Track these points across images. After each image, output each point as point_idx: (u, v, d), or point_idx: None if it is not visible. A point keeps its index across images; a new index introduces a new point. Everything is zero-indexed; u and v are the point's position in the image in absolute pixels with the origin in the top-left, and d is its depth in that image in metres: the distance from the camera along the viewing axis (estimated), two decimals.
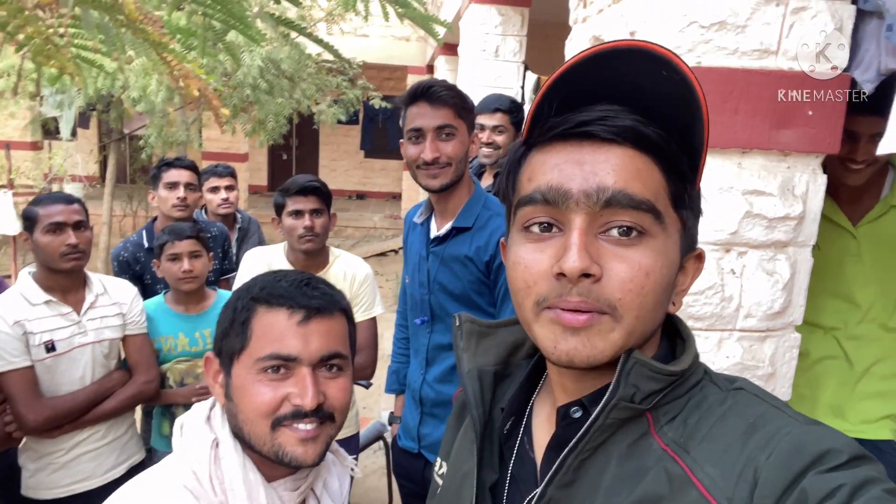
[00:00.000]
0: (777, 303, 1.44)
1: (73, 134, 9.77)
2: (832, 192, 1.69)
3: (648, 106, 0.59)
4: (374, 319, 2.37)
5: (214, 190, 3.28)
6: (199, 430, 0.92)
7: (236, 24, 1.39)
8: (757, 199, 1.41)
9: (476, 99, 4.73)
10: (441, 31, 1.86)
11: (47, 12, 1.06)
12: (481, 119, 2.71)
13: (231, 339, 0.91)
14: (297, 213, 2.22)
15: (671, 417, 0.61)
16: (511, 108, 2.75)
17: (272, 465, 0.91)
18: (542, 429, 0.70)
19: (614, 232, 0.59)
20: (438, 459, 0.82)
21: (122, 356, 2.20)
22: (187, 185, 2.85)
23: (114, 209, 8.02)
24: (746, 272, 1.44)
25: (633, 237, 0.59)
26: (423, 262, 1.83)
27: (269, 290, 0.90)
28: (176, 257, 2.26)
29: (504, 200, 0.70)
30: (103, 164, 9.00)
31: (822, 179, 1.44)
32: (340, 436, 2.34)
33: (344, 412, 0.94)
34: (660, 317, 0.62)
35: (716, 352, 1.47)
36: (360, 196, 14.85)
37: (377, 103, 8.25)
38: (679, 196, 0.61)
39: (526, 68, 4.87)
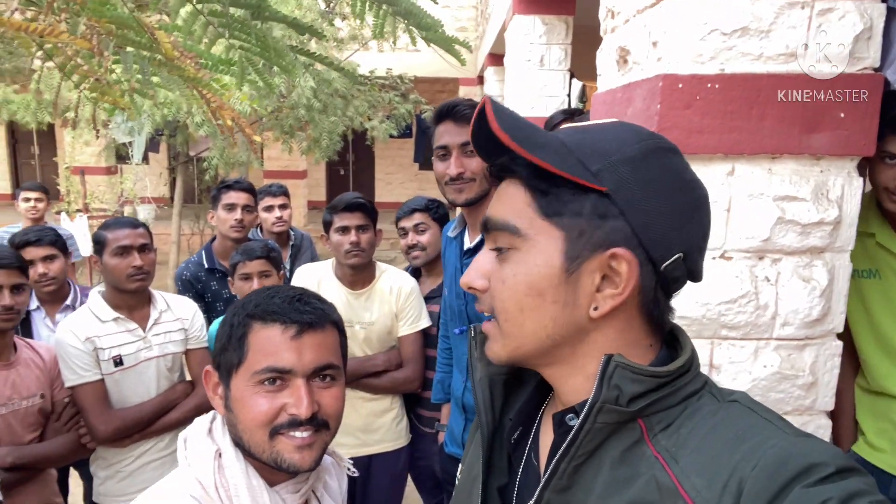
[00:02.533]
0: (815, 310, 1.40)
1: (145, 158, 10.32)
2: (891, 219, 1.63)
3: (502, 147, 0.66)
4: (419, 333, 2.42)
5: (269, 209, 3.42)
6: (202, 442, 0.98)
7: (272, 56, 1.48)
8: (789, 204, 1.38)
9: (524, 107, 4.76)
10: (465, 53, 1.91)
11: (95, 55, 1.17)
12: (402, 223, 2.59)
13: (229, 354, 0.96)
14: (344, 230, 2.30)
15: (665, 426, 0.62)
16: (428, 206, 2.60)
17: (272, 471, 0.96)
18: (547, 437, 0.73)
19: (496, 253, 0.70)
20: (460, 465, 0.86)
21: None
22: (245, 207, 2.98)
23: (182, 228, 8.43)
24: (781, 279, 1.41)
25: (503, 253, 0.68)
26: (458, 274, 1.88)
27: (263, 307, 0.96)
28: (247, 276, 2.39)
29: None
30: (172, 186, 9.48)
31: (858, 183, 1.40)
32: (390, 448, 2.41)
33: (338, 419, 0.99)
34: (544, 321, 0.65)
35: (752, 361, 1.44)
36: None
37: (429, 116, 8.36)
38: (548, 206, 0.65)
39: (572, 76, 4.86)
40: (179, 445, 1.00)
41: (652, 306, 0.66)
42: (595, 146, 0.65)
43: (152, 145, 11.04)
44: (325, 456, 1.11)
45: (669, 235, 0.63)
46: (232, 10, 1.26)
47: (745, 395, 0.65)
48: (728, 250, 1.41)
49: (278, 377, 0.93)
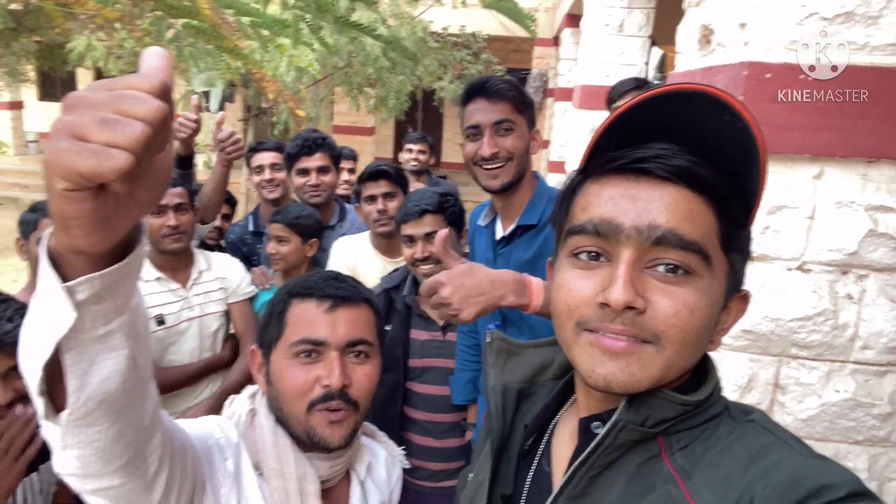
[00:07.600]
0: None
1: (221, 108, 10.51)
2: None
3: (706, 147, 0.60)
4: None
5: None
6: (243, 402, 1.07)
7: (324, 18, 1.40)
8: (883, 215, 1.22)
9: (599, 75, 4.51)
10: (540, 13, 1.78)
11: (125, 25, 1.12)
12: (408, 230, 1.93)
13: (270, 330, 1.02)
14: (371, 198, 2.25)
15: (684, 445, 0.62)
16: (442, 205, 1.94)
17: (306, 446, 1.00)
18: (564, 444, 0.72)
19: (661, 268, 0.60)
20: (467, 471, 0.86)
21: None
22: (272, 166, 2.84)
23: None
24: (866, 298, 1.26)
25: (680, 275, 0.60)
26: (491, 265, 1.76)
27: (301, 285, 1.02)
28: (271, 238, 2.40)
29: (555, 225, 0.71)
30: (245, 137, 9.66)
31: None
32: None
33: (368, 399, 1.01)
34: (699, 353, 0.63)
35: (824, 384, 1.31)
36: None
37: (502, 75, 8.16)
38: (729, 238, 0.62)
39: (653, 43, 4.58)
40: (225, 405, 1.08)
41: None
42: None
43: (228, 95, 11.27)
44: (378, 445, 1.16)
45: None
46: None
47: (762, 414, 0.64)
48: (807, 262, 1.27)
49: (313, 349, 0.97)
